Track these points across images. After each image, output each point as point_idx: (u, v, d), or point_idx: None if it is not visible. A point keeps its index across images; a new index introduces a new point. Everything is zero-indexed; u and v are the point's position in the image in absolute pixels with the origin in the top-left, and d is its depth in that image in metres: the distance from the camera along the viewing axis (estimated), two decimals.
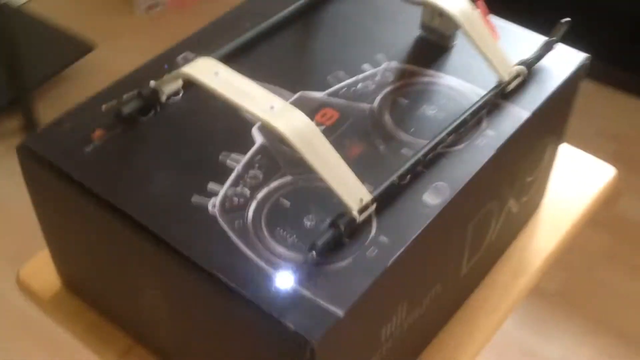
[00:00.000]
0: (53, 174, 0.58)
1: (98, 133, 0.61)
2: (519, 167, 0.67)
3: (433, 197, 0.56)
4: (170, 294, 0.57)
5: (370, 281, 0.50)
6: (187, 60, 0.66)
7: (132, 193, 0.56)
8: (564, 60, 0.68)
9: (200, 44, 0.69)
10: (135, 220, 0.54)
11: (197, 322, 0.57)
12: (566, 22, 0.68)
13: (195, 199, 0.56)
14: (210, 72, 0.56)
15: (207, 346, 0.58)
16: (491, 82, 0.65)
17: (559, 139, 0.74)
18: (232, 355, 0.56)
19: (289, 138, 0.52)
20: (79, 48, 1.98)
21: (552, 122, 0.70)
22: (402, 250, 0.52)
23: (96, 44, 1.98)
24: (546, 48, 0.67)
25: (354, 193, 0.53)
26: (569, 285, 1.54)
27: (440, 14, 0.67)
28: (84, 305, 0.70)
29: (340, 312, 0.49)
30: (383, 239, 0.53)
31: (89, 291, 0.69)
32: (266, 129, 0.60)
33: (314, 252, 0.51)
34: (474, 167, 0.58)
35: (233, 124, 0.61)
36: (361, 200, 0.53)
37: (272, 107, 0.53)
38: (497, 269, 0.75)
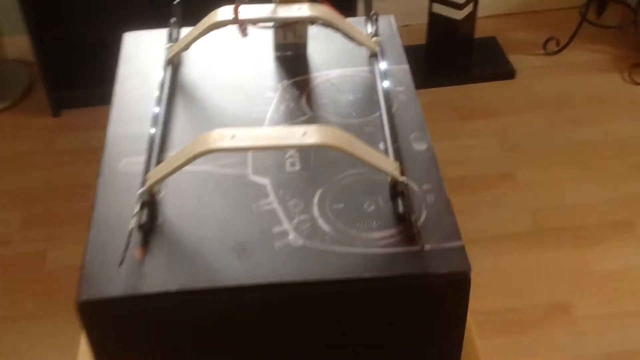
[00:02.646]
0: (131, 305, 0.57)
1: (139, 252, 0.60)
2: None
3: (418, 144, 0.69)
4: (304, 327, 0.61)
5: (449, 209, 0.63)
6: (130, 164, 0.68)
7: (206, 272, 0.59)
8: (386, 23, 0.85)
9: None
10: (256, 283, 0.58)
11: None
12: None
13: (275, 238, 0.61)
14: (227, 138, 0.61)
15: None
16: (362, 58, 0.79)
17: None
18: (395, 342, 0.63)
19: (338, 144, 0.60)
20: None
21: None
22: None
23: None
24: (373, 20, 0.83)
25: (389, 164, 0.64)
26: None
27: (293, 29, 0.79)
28: None
29: (459, 243, 0.60)
30: (426, 186, 0.65)
31: None
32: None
33: (412, 215, 0.62)
34: (415, 109, 0.73)
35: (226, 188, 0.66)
36: (395, 167, 0.65)
37: (305, 133, 0.61)
38: None
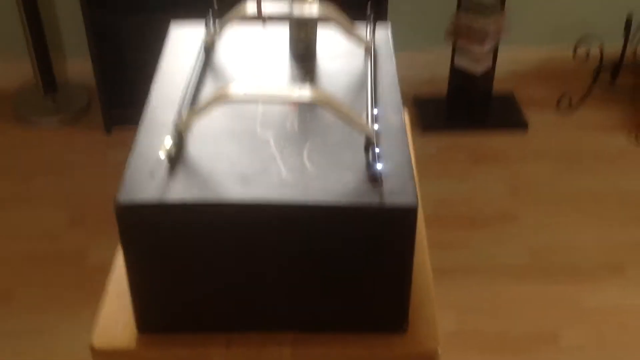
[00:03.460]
0: (156, 210, 0.75)
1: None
2: None
3: (393, 116, 0.87)
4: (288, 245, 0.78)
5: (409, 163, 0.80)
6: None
7: (215, 190, 0.76)
8: (383, 28, 1.04)
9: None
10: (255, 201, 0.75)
11: (314, 256, 0.79)
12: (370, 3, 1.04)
13: (271, 174, 0.78)
14: (241, 90, 0.79)
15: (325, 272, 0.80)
16: (361, 52, 0.98)
17: None
18: (356, 264, 0.79)
19: (326, 101, 0.78)
20: None
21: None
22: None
23: None
24: (371, 22, 1.02)
25: (365, 125, 0.82)
26: None
27: (305, 27, 0.98)
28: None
29: (412, 184, 0.77)
30: (394, 145, 0.83)
31: (177, 319, 0.84)
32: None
33: (377, 163, 0.79)
34: (395, 93, 0.91)
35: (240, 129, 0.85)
36: (370, 128, 0.82)
37: (302, 92, 0.79)
38: None
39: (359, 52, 0.99)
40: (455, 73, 2.40)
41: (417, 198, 0.77)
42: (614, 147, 2.38)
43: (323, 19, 0.94)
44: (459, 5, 2.31)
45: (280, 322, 0.85)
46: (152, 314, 0.85)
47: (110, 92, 2.37)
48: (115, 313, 0.88)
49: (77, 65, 2.58)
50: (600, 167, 2.29)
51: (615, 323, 1.80)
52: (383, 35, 1.03)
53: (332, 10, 0.94)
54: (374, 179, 0.78)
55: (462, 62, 2.34)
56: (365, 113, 0.87)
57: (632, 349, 1.74)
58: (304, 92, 0.79)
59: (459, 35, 2.31)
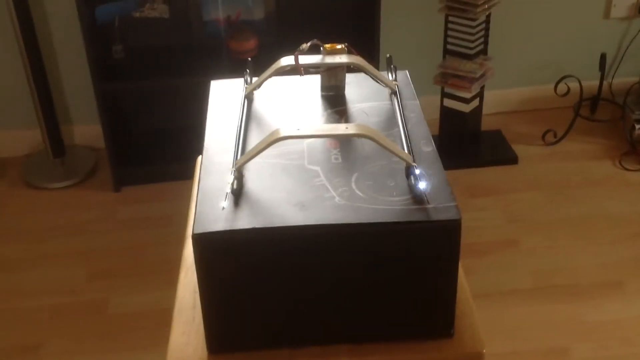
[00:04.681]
0: (227, 237, 0.85)
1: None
2: None
3: (426, 147, 0.98)
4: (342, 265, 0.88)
5: (447, 185, 0.91)
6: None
7: (277, 217, 0.86)
8: (402, 74, 1.15)
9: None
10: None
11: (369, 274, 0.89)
12: (390, 56, 1.16)
13: (325, 200, 0.89)
14: (294, 130, 0.90)
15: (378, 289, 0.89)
16: (385, 95, 1.09)
17: None
18: (407, 277, 0.89)
19: (370, 135, 0.89)
20: None
21: None
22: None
23: None
24: (393, 70, 1.14)
25: (405, 154, 0.93)
26: None
27: (335, 75, 1.09)
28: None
29: (453, 203, 0.88)
30: (430, 170, 0.93)
31: (245, 338, 0.93)
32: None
33: (421, 185, 0.89)
34: (423, 128, 1.02)
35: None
36: (409, 156, 0.93)
37: (347, 127, 0.90)
38: None
39: (383, 95, 1.11)
40: (446, 114, 2.54)
41: (459, 213, 0.88)
42: (599, 173, 2.52)
43: (350, 64, 1.06)
44: (445, 53, 2.47)
45: (338, 335, 0.94)
46: (222, 335, 0.94)
47: (117, 153, 2.48)
48: (183, 338, 0.97)
49: (84, 130, 2.69)
50: (589, 193, 2.42)
51: (619, 337, 1.90)
52: (404, 78, 1.15)
53: (359, 58, 1.06)
54: (420, 198, 0.89)
55: (451, 104, 2.48)
56: (400, 144, 0.98)
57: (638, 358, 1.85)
58: (351, 127, 0.91)
59: (446, 81, 2.46)
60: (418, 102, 1.10)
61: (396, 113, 1.05)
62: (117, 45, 2.42)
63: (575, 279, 2.09)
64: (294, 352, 0.94)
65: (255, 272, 0.90)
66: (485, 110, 2.60)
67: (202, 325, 0.95)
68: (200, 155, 1.29)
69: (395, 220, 0.87)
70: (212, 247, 0.88)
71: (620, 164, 2.53)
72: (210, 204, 0.90)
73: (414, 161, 0.94)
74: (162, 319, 2.10)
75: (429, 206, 0.88)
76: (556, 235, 2.25)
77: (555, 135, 2.65)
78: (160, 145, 2.62)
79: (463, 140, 2.58)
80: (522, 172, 2.54)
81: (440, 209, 0.88)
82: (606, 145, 2.65)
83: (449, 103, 2.49)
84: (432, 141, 1.01)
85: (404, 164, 0.94)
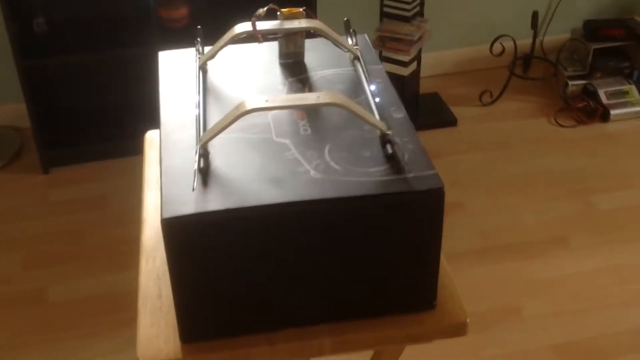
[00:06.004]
0: (198, 220, 0.79)
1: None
2: None
3: (397, 114, 0.94)
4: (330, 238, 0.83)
5: (424, 152, 0.87)
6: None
7: (251, 195, 0.81)
8: (362, 38, 1.11)
9: None
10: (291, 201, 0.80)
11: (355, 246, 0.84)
12: (347, 20, 1.10)
13: (299, 174, 0.84)
14: (262, 101, 0.84)
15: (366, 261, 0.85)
16: (347, 61, 1.04)
17: None
18: (390, 250, 0.85)
19: (343, 103, 0.84)
20: None
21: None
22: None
23: None
24: (353, 35, 1.09)
25: (378, 122, 0.88)
26: None
27: (294, 41, 1.04)
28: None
29: (434, 171, 0.84)
30: (405, 138, 0.89)
31: (220, 325, 0.88)
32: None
33: (398, 155, 0.85)
34: (391, 93, 0.98)
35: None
36: (383, 124, 0.89)
37: (318, 97, 0.85)
38: None
39: (345, 60, 1.05)
40: None
41: (441, 181, 0.84)
42: (536, 131, 2.54)
43: (310, 29, 1.01)
44: (381, 16, 2.42)
45: (319, 315, 0.90)
46: (195, 323, 0.88)
47: (44, 134, 2.34)
48: (152, 329, 0.91)
49: (7, 109, 2.54)
50: (527, 151, 2.44)
51: (569, 293, 1.93)
52: (363, 42, 1.10)
53: (319, 22, 1.01)
54: (398, 167, 0.85)
55: (391, 68, 2.45)
56: (371, 112, 0.93)
57: (588, 314, 1.87)
58: (322, 96, 0.85)
59: (385, 44, 2.42)
60: (382, 66, 1.05)
61: (362, 79, 1.00)
62: (39, 19, 2.28)
63: (522, 237, 2.10)
64: (272, 336, 0.90)
65: (229, 256, 0.84)
66: (423, 72, 2.58)
67: (172, 314, 0.89)
68: (150, 131, 1.23)
69: (377, 192, 0.82)
70: (183, 231, 0.81)
71: (556, 121, 2.56)
72: (176, 185, 0.84)
73: (388, 127, 0.89)
74: (111, 304, 2.05)
75: (409, 175, 0.84)
76: (499, 194, 2.26)
77: (491, 96, 2.65)
78: (90, 123, 2.49)
79: (402, 103, 2.56)
80: (461, 133, 2.53)
81: (422, 178, 0.84)
82: (541, 103, 2.67)
83: (387, 67, 2.45)
84: (403, 107, 0.97)
85: (377, 133, 0.90)
